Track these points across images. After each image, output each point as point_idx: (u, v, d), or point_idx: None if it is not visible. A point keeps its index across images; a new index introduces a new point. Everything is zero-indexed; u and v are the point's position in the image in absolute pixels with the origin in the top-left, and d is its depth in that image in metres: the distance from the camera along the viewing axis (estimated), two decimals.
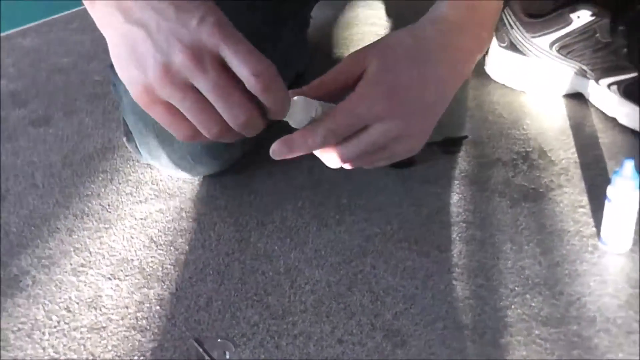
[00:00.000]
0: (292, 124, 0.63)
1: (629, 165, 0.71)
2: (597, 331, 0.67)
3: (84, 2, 0.65)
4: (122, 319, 0.71)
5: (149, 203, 0.86)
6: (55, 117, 1.05)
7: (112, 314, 0.72)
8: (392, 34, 0.70)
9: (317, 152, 0.67)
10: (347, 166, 0.69)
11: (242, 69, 0.57)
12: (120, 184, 0.90)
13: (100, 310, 0.72)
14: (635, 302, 0.70)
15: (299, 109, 0.62)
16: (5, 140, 1.00)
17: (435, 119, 0.71)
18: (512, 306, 0.70)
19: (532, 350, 0.65)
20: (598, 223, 0.78)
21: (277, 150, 0.63)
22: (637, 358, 0.64)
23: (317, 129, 0.63)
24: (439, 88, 0.69)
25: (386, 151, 0.69)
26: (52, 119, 1.04)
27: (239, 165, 0.89)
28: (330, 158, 0.68)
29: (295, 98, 0.62)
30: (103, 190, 0.89)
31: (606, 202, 0.74)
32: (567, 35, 0.95)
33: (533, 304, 0.70)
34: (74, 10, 1.38)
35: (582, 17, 0.94)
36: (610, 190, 0.73)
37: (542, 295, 0.71)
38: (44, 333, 0.70)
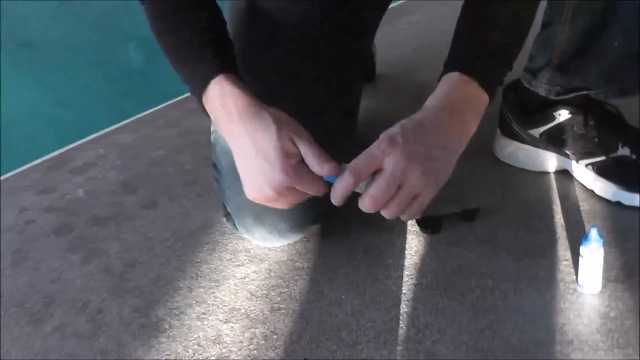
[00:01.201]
0: None
1: (594, 231, 1.01)
2: (574, 349, 0.96)
3: (213, 121, 0.98)
4: (239, 350, 1.01)
5: (245, 266, 1.17)
6: (160, 201, 1.36)
7: (232, 347, 1.02)
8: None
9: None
10: (385, 214, 0.92)
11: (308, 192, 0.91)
12: (221, 252, 1.21)
13: (222, 345, 1.02)
14: (603, 329, 0.99)
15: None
16: (125, 220, 1.31)
17: (439, 169, 0.91)
18: (515, 334, 0.99)
19: None
20: (576, 272, 1.07)
21: (333, 197, 0.90)
22: None
23: (344, 171, 0.89)
24: (433, 151, 0.90)
25: (406, 189, 0.89)
26: (158, 202, 1.35)
27: (307, 237, 1.20)
28: (364, 201, 0.90)
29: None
30: (209, 257, 1.20)
31: (580, 258, 1.03)
32: (551, 128, 1.26)
33: (529, 332, 0.99)
34: (157, 107, 1.70)
35: (562, 115, 1.24)
36: (582, 250, 1.02)
37: (535, 325, 1.00)
38: None
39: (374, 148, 0.89)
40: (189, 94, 1.03)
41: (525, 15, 1.01)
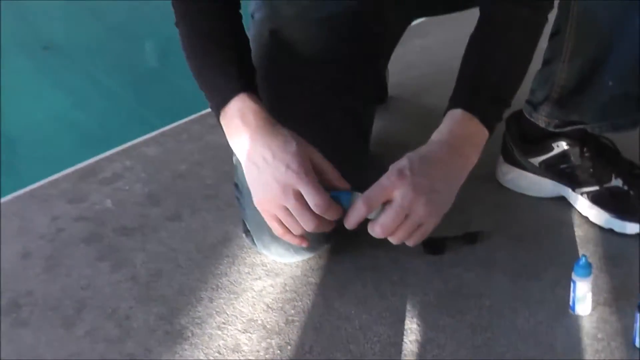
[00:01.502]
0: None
1: (584, 259, 1.10)
2: None
3: (226, 134, 1.09)
4: (256, 359, 1.10)
5: (262, 280, 1.26)
6: (183, 214, 1.45)
7: (249, 356, 1.11)
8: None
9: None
10: (393, 240, 1.04)
11: (308, 201, 1.00)
12: (240, 265, 1.30)
13: (241, 353, 1.12)
14: (591, 349, 1.08)
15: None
16: (151, 232, 1.40)
17: (441, 200, 1.04)
18: (509, 351, 1.08)
19: None
20: (568, 295, 1.16)
21: (347, 222, 1.03)
22: None
23: (357, 199, 1.02)
24: (437, 183, 1.02)
25: (412, 218, 1.01)
26: (181, 215, 1.45)
27: (320, 255, 1.29)
28: (374, 228, 1.03)
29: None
30: (228, 270, 1.29)
31: (572, 282, 1.12)
32: (550, 158, 1.34)
33: (522, 350, 1.08)
34: (181, 122, 1.79)
35: (560, 146, 1.33)
36: (573, 275, 1.11)
37: (528, 343, 1.09)
38: None
39: (385, 180, 1.00)
40: (210, 109, 1.13)
41: (523, 59, 1.13)
